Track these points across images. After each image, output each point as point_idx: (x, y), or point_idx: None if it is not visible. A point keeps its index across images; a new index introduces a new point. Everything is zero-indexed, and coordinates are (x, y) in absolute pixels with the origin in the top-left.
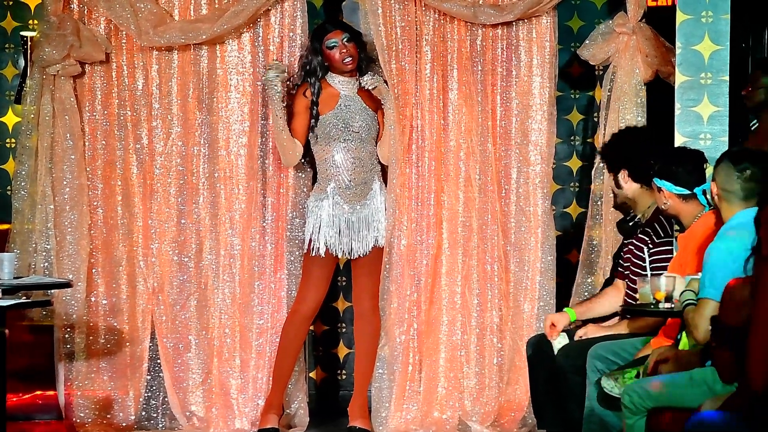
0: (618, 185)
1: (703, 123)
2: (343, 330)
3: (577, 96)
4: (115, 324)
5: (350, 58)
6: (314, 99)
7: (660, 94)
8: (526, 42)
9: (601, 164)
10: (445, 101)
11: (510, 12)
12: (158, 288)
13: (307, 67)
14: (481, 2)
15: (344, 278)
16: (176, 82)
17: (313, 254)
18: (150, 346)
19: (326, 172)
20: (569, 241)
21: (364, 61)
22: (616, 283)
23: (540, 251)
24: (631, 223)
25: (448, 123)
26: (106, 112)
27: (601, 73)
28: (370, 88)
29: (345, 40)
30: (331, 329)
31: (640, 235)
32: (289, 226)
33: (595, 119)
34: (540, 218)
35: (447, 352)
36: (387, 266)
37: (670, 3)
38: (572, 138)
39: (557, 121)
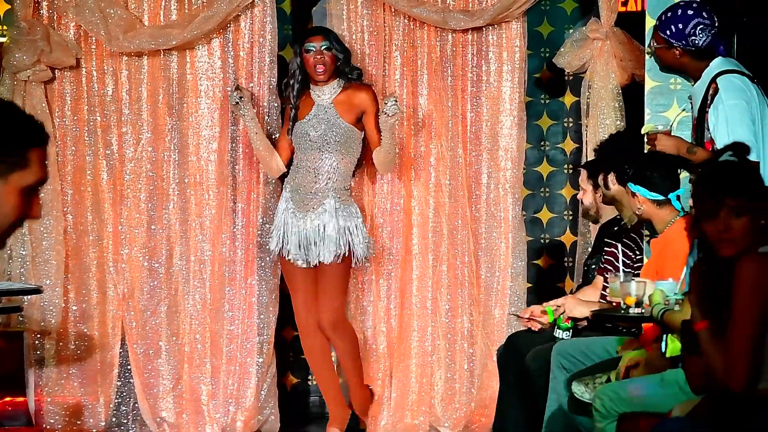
0: (606, 186)
1: (672, 128)
2: None
3: (548, 101)
4: (86, 330)
5: (322, 67)
6: (293, 103)
7: (637, 98)
8: (496, 47)
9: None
10: (415, 106)
11: (480, 17)
12: (128, 294)
13: (290, 71)
14: (450, 7)
15: None
16: (146, 88)
17: (282, 257)
18: (120, 352)
19: (289, 177)
20: (540, 247)
21: (348, 74)
22: (595, 282)
23: (511, 256)
24: (615, 228)
25: (418, 128)
26: (75, 117)
27: (571, 78)
28: (388, 113)
29: (323, 47)
30: None
31: (625, 240)
32: (259, 232)
33: (566, 125)
34: (510, 223)
35: (418, 357)
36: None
37: (640, 8)
38: (542, 143)
39: (527, 127)
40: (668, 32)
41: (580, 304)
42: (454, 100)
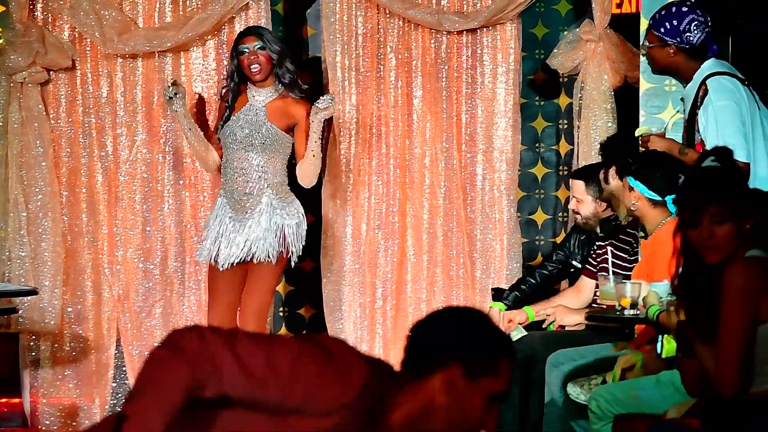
0: (606, 180)
1: (667, 129)
2: (310, 290)
3: (542, 103)
4: (81, 331)
5: (257, 66)
6: (227, 103)
7: (630, 100)
8: (491, 49)
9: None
10: (410, 109)
11: (474, 19)
12: (124, 295)
13: (226, 72)
14: (445, 9)
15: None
16: (141, 90)
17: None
18: (115, 354)
19: (222, 181)
20: (534, 248)
21: (286, 75)
22: (578, 284)
23: (506, 258)
24: (613, 224)
25: (412, 130)
26: (70, 119)
27: (565, 80)
28: (320, 105)
29: (257, 47)
30: (297, 289)
31: (622, 237)
32: None
33: (560, 126)
34: (505, 225)
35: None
36: (344, 273)
37: (634, 10)
38: (537, 145)
39: (522, 129)
40: (662, 29)
41: (570, 312)
42: (449, 101)
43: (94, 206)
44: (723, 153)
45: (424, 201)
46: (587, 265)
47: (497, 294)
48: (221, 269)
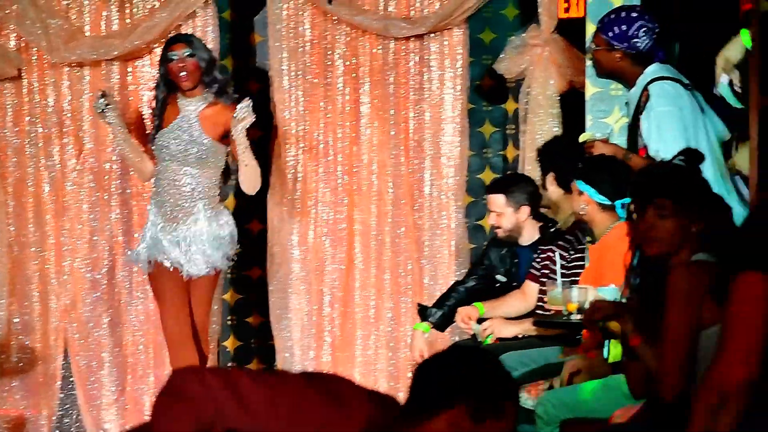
0: (544, 186)
1: (613, 134)
2: (257, 298)
3: (490, 108)
4: (28, 342)
5: (185, 74)
6: (156, 111)
7: (576, 105)
8: (438, 55)
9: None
10: (357, 115)
11: (421, 25)
12: (71, 305)
13: (155, 81)
14: (392, 15)
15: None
16: (88, 99)
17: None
18: (63, 364)
19: (153, 192)
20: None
21: (214, 84)
22: (523, 288)
23: (454, 264)
24: (552, 230)
25: (359, 137)
26: (17, 129)
27: (513, 85)
28: (238, 116)
29: (185, 54)
30: (244, 298)
31: (560, 243)
32: None
33: (508, 132)
34: (453, 231)
35: (361, 366)
36: (291, 281)
37: (582, 14)
38: (485, 150)
39: (470, 134)
40: (611, 33)
41: (507, 324)
42: (396, 107)
43: (41, 216)
44: (691, 154)
45: (371, 207)
46: (532, 270)
47: (422, 310)
48: (163, 274)
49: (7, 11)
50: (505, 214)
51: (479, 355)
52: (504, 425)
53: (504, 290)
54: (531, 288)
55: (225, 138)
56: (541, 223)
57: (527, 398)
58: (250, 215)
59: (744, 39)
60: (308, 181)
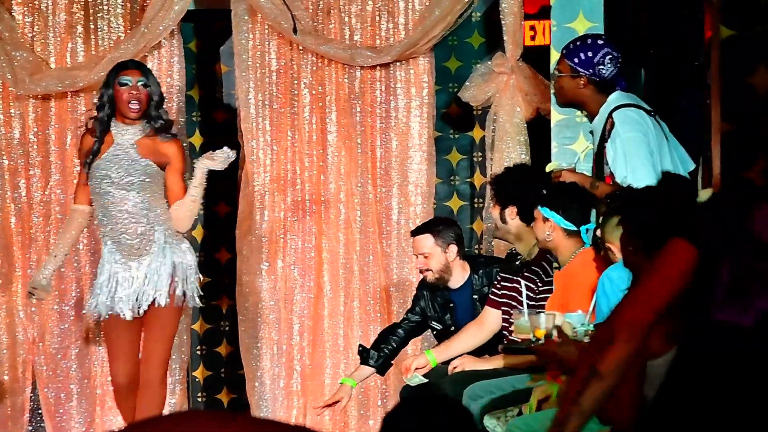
0: (503, 220)
1: (580, 162)
2: (226, 328)
3: (457, 136)
4: None
5: (137, 103)
6: (97, 134)
7: (542, 132)
8: (404, 83)
9: (491, 202)
10: (324, 144)
11: (387, 54)
12: (39, 337)
13: (98, 103)
14: (358, 44)
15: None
16: (54, 130)
17: (102, 320)
18: (31, 396)
19: (102, 228)
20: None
21: (159, 120)
22: (480, 317)
23: None
24: (517, 262)
25: (327, 165)
26: None
27: (479, 113)
28: (215, 157)
29: (140, 83)
30: (213, 328)
31: (527, 274)
32: None
33: (475, 159)
34: None
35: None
36: (260, 310)
37: (548, 42)
38: (452, 178)
39: (437, 162)
40: (576, 60)
41: (477, 362)
42: (363, 136)
43: (8, 248)
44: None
45: (339, 236)
46: (491, 296)
47: (363, 352)
48: (127, 319)
49: None
50: (434, 255)
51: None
52: None
53: (443, 335)
54: (490, 314)
55: (162, 169)
56: (468, 264)
57: (496, 425)
58: (218, 245)
59: None
60: (276, 210)
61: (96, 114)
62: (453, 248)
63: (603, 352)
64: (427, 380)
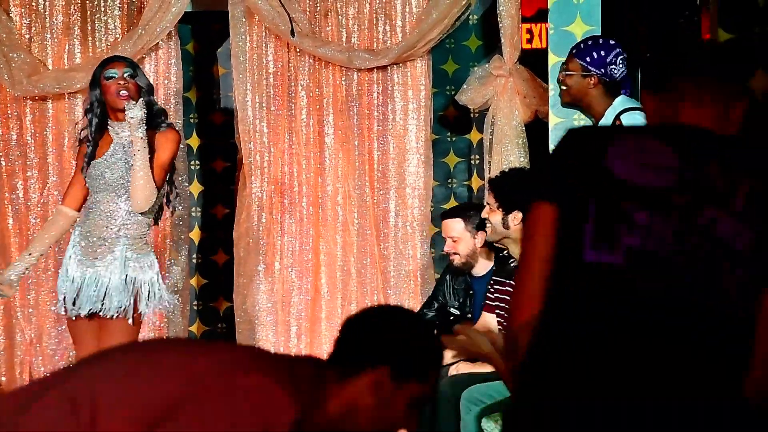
0: (506, 225)
1: None
2: (224, 330)
3: (454, 139)
4: None
5: (126, 93)
6: (90, 136)
7: (540, 135)
8: (402, 86)
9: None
10: (322, 146)
11: (384, 56)
12: (36, 338)
13: (87, 105)
14: (355, 47)
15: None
16: (51, 132)
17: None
18: None
19: (80, 221)
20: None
21: (151, 110)
22: (479, 323)
23: (420, 294)
24: (512, 265)
25: (324, 168)
26: None
27: (476, 116)
28: (128, 117)
29: (127, 75)
30: (211, 329)
31: None
32: (167, 274)
33: (472, 162)
34: (419, 261)
35: None
36: (258, 312)
37: (544, 45)
38: (450, 181)
39: (434, 165)
40: (588, 59)
41: (472, 367)
42: (361, 138)
43: (5, 249)
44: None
45: (337, 238)
46: (486, 300)
47: None
48: (77, 317)
49: None
50: (463, 240)
51: (409, 318)
52: (425, 389)
53: (457, 323)
54: (487, 319)
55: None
56: (493, 254)
57: (494, 427)
58: (215, 247)
59: None
60: (273, 212)
61: (87, 116)
62: (482, 235)
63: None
64: None
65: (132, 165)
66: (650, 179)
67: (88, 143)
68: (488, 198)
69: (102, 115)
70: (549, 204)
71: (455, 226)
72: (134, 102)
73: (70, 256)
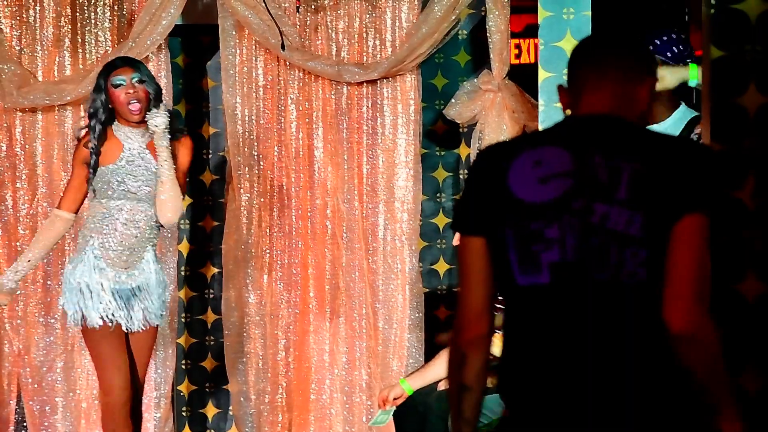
0: None
1: None
2: (212, 343)
3: (443, 153)
4: None
5: (137, 102)
6: (94, 146)
7: None
8: (391, 100)
9: None
10: (311, 160)
11: (374, 70)
12: (24, 350)
13: (90, 110)
14: (345, 61)
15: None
16: (41, 143)
17: (91, 327)
18: (16, 409)
19: (92, 231)
20: (437, 298)
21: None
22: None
23: (408, 308)
24: None
25: (313, 181)
26: None
27: (465, 130)
28: (151, 125)
29: (135, 80)
30: (199, 342)
31: None
32: None
33: (461, 176)
34: (407, 275)
35: (316, 410)
36: (246, 325)
37: (533, 61)
38: (438, 195)
39: (423, 179)
40: (669, 54)
41: None
42: (350, 152)
43: None
44: None
45: (326, 252)
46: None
47: None
48: (116, 327)
49: None
50: None
51: None
52: None
53: None
54: None
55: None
56: None
57: None
58: (204, 259)
59: (692, 74)
60: (262, 225)
61: (88, 122)
62: None
63: (465, 366)
64: (390, 417)
65: (159, 177)
66: (549, 193)
67: (91, 151)
68: None
69: (107, 121)
70: (475, 237)
71: None
72: (156, 110)
73: (93, 268)
